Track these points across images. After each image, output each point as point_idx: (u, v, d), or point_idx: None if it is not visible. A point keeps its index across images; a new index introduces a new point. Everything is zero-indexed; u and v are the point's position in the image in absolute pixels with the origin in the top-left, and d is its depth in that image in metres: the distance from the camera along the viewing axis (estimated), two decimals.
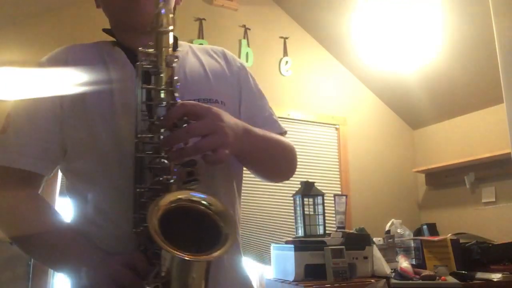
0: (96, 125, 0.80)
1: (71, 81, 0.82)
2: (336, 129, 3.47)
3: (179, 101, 0.73)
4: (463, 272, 2.38)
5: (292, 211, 2.57)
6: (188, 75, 0.89)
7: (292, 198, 2.58)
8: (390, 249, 2.66)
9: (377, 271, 2.32)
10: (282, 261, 2.30)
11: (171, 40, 0.77)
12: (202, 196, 0.68)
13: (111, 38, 0.95)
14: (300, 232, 2.44)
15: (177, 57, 0.75)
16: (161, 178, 0.71)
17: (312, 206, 2.47)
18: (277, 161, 0.93)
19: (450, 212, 3.33)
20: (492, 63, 2.17)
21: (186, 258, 0.60)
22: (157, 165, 0.72)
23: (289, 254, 2.20)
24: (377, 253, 2.40)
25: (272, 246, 2.52)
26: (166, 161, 0.72)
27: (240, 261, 0.90)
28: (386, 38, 3.12)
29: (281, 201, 3.04)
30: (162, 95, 0.73)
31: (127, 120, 0.77)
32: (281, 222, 3.04)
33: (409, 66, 3.21)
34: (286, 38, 3.37)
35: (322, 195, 2.51)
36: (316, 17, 3.33)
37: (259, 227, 2.96)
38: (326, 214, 2.50)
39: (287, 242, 2.45)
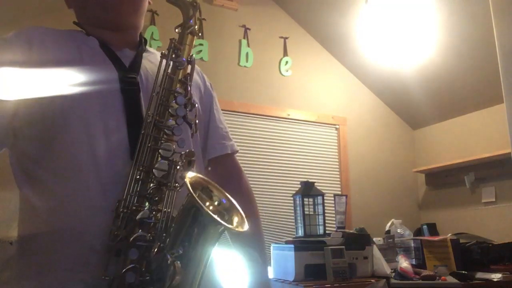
0: (70, 104, 0.78)
1: (36, 60, 0.79)
2: (336, 129, 3.47)
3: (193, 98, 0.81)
4: (463, 272, 2.38)
5: (292, 211, 2.57)
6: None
7: (292, 198, 2.58)
8: (390, 249, 2.66)
9: (377, 271, 2.32)
10: (282, 261, 2.30)
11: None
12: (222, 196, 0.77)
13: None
14: (300, 232, 2.44)
15: (194, 57, 0.83)
16: (167, 161, 0.75)
17: (312, 206, 2.47)
18: None
19: (450, 212, 3.33)
20: (492, 63, 2.17)
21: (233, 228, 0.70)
22: (165, 148, 0.75)
23: (289, 254, 2.20)
24: (377, 253, 2.40)
25: (272, 246, 2.52)
26: (173, 146, 0.76)
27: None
28: (386, 38, 3.12)
29: (281, 201, 3.04)
30: (178, 86, 0.80)
31: (103, 125, 0.78)
32: (281, 222, 3.04)
33: (409, 66, 3.21)
34: (286, 38, 3.37)
35: (322, 195, 2.51)
36: (316, 17, 3.33)
37: None
38: (326, 214, 2.50)
39: (287, 242, 2.45)
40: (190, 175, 0.73)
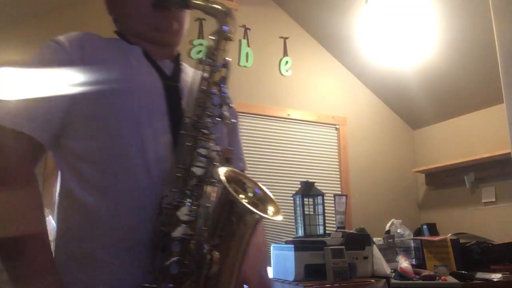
0: (118, 103, 0.82)
1: (89, 63, 0.83)
2: (336, 129, 3.47)
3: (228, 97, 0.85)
4: (463, 272, 2.38)
5: (292, 211, 2.57)
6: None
7: (292, 198, 2.58)
8: (390, 249, 2.66)
9: (377, 271, 2.32)
10: (282, 261, 2.30)
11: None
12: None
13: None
14: (300, 232, 2.44)
15: (229, 61, 0.88)
16: (205, 159, 0.79)
17: (312, 206, 2.47)
18: None
19: (450, 212, 3.33)
20: (492, 63, 2.17)
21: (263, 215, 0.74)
22: (203, 146, 0.79)
23: (289, 254, 2.20)
24: (377, 253, 2.40)
25: (272, 246, 2.51)
26: (212, 144, 0.80)
27: None
28: (386, 38, 3.12)
29: (281, 201, 3.04)
30: (215, 90, 0.84)
31: (151, 122, 0.82)
32: (281, 222, 3.04)
33: (409, 66, 3.21)
34: (286, 38, 3.37)
35: (322, 195, 2.51)
36: (316, 17, 3.33)
37: None
38: (326, 214, 2.50)
39: (287, 242, 2.45)
40: (223, 170, 0.76)
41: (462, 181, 3.17)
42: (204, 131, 0.80)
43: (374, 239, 2.61)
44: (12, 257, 0.71)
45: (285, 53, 3.36)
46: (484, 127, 3.13)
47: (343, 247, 2.22)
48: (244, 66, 3.17)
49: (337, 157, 3.42)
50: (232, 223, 0.73)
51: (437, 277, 2.34)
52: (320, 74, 3.47)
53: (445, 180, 3.38)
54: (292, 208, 2.57)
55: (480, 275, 2.36)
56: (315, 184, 2.55)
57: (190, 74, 0.96)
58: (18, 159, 0.76)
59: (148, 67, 0.89)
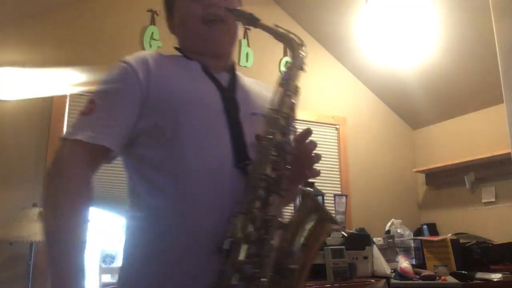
0: (179, 116, 0.88)
1: (155, 80, 0.91)
2: (336, 129, 3.47)
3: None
4: (463, 272, 2.38)
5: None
6: (250, 93, 1.04)
7: None
8: (390, 249, 2.66)
9: (377, 271, 2.32)
10: None
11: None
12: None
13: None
14: None
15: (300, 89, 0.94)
16: (278, 172, 0.84)
17: None
18: None
19: (450, 212, 3.33)
20: (492, 63, 2.17)
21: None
22: (278, 163, 0.84)
23: None
24: (377, 253, 2.40)
25: None
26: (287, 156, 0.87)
27: None
28: (386, 38, 3.12)
29: None
30: (287, 109, 0.89)
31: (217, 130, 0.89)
32: None
33: (409, 66, 3.21)
34: None
35: (322, 195, 2.51)
36: (316, 17, 3.33)
37: None
38: None
39: None
40: (304, 187, 0.87)
41: (462, 181, 3.16)
42: (277, 146, 0.85)
43: (374, 239, 2.61)
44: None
45: (285, 53, 3.36)
46: (484, 127, 3.13)
47: (343, 247, 2.22)
48: (244, 66, 3.17)
49: (337, 157, 3.42)
50: (316, 234, 0.81)
51: (437, 277, 2.34)
52: (320, 74, 3.47)
53: (445, 180, 3.38)
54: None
55: (480, 275, 2.36)
56: (315, 184, 2.55)
57: (247, 83, 1.04)
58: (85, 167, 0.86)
59: (206, 80, 0.96)
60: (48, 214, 0.81)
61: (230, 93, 0.96)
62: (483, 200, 3.08)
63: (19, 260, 2.35)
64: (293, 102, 0.90)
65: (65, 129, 2.65)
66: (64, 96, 2.68)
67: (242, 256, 0.76)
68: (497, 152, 2.77)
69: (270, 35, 0.97)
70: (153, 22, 2.97)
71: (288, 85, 0.92)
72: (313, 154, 0.92)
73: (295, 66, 0.95)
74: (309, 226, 0.82)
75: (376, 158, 3.56)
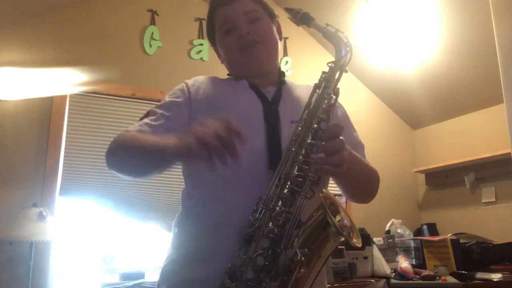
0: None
1: (208, 95, 1.08)
2: None
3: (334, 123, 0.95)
4: (463, 272, 2.38)
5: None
6: (294, 102, 1.12)
7: None
8: (390, 249, 2.66)
9: (377, 271, 2.32)
10: None
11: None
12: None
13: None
14: None
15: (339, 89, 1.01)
16: (303, 174, 0.89)
17: None
18: (366, 183, 1.17)
19: (450, 212, 3.33)
20: (492, 63, 2.17)
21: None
22: (304, 164, 0.89)
23: None
24: (377, 253, 2.40)
25: None
26: (310, 161, 0.90)
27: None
28: (386, 38, 3.12)
29: None
30: (322, 113, 0.94)
31: (257, 136, 0.99)
32: None
33: (409, 66, 3.21)
34: (286, 38, 3.37)
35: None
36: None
37: None
38: None
39: None
40: (325, 191, 0.87)
41: (462, 181, 3.16)
42: (307, 148, 0.90)
43: (374, 239, 2.61)
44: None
45: (285, 53, 3.36)
46: (484, 127, 3.13)
47: (343, 247, 2.22)
48: None
49: None
50: (322, 240, 0.83)
51: (437, 277, 2.34)
52: (320, 74, 3.46)
53: (445, 180, 3.38)
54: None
55: (480, 275, 2.36)
56: None
57: (297, 93, 1.15)
58: None
59: (252, 95, 1.08)
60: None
61: (273, 104, 1.07)
62: (483, 200, 3.08)
63: (19, 260, 2.35)
64: (329, 104, 0.96)
65: (65, 129, 2.66)
66: (64, 96, 2.68)
67: (257, 247, 0.84)
68: (497, 152, 2.77)
69: (321, 33, 1.04)
70: (153, 22, 2.97)
71: (326, 86, 0.96)
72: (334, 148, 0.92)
73: (337, 67, 1.01)
74: (318, 232, 0.84)
75: (376, 158, 3.54)
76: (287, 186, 0.88)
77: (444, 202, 3.40)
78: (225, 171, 0.89)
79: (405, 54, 3.15)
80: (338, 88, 1.00)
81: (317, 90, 0.98)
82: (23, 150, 2.54)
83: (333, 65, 1.02)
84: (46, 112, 2.63)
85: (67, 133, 2.66)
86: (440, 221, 3.32)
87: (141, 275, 2.49)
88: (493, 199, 3.02)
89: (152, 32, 2.95)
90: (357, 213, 3.29)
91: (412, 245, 2.76)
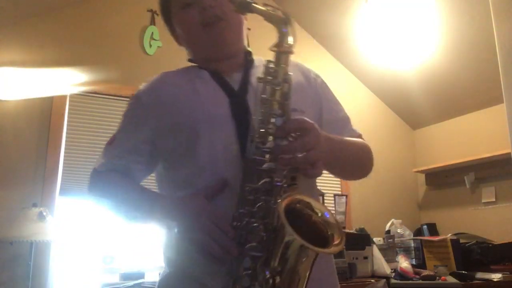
0: (191, 135, 0.91)
1: (165, 103, 0.98)
2: None
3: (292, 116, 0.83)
4: (463, 272, 2.38)
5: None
6: None
7: None
8: (390, 249, 2.66)
9: (377, 271, 2.32)
10: None
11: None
12: (319, 207, 0.79)
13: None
14: None
15: (290, 76, 0.86)
16: (269, 179, 0.80)
17: None
18: (356, 164, 1.09)
19: (450, 212, 3.33)
20: (492, 63, 2.17)
21: (314, 248, 0.69)
22: (267, 168, 0.80)
23: None
24: (377, 253, 2.40)
25: None
26: (274, 165, 0.80)
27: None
28: (386, 38, 3.12)
29: None
30: (277, 107, 0.82)
31: (220, 131, 0.89)
32: None
33: (409, 66, 3.21)
34: None
35: (322, 195, 2.51)
36: (316, 17, 3.33)
37: None
38: None
39: None
40: (284, 202, 0.74)
41: (462, 181, 3.16)
42: (267, 151, 0.81)
43: (374, 239, 2.61)
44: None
45: None
46: (484, 127, 3.13)
47: (343, 247, 2.22)
48: None
49: None
50: (289, 256, 0.73)
51: (437, 277, 2.34)
52: (320, 74, 3.46)
53: (445, 180, 3.38)
54: None
55: (480, 275, 2.36)
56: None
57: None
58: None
59: (215, 88, 0.95)
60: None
61: (240, 95, 0.94)
62: (483, 200, 3.08)
63: (19, 260, 2.35)
64: (283, 94, 0.84)
65: (65, 129, 2.66)
66: (64, 96, 2.68)
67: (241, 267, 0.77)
68: (497, 152, 2.77)
69: (262, 16, 0.88)
70: (153, 22, 2.97)
71: (275, 71, 0.84)
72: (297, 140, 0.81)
73: (282, 52, 0.86)
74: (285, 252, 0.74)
75: (376, 158, 3.52)
76: (256, 198, 0.79)
77: (444, 202, 3.40)
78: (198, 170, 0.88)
79: (405, 54, 3.15)
80: (290, 74, 0.86)
81: (264, 84, 0.85)
82: (23, 150, 2.54)
83: (277, 50, 0.86)
84: (46, 112, 2.63)
85: (67, 133, 2.66)
86: (440, 221, 3.32)
87: (141, 275, 2.49)
88: (493, 199, 3.02)
89: (152, 32, 2.95)
90: (357, 213, 3.30)
91: (412, 245, 2.76)
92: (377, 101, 3.70)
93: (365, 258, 2.31)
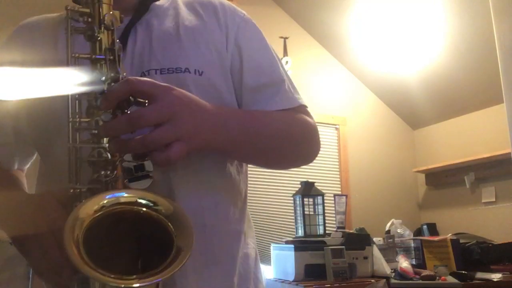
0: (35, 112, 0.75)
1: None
2: (336, 129, 3.47)
3: (126, 76, 0.56)
4: (463, 272, 2.38)
5: (292, 211, 2.57)
6: (154, 39, 0.70)
7: (292, 198, 2.58)
8: (390, 249, 2.66)
9: (377, 271, 2.32)
10: (282, 261, 2.30)
11: None
12: (137, 196, 0.52)
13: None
14: (300, 232, 2.44)
15: (121, 16, 0.59)
16: (101, 174, 0.55)
17: (312, 206, 2.47)
18: (275, 150, 0.75)
19: (450, 212, 3.33)
20: (492, 63, 2.17)
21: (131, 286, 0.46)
22: (97, 157, 0.55)
23: (289, 254, 2.20)
24: (377, 253, 2.40)
25: (272, 246, 2.51)
26: (108, 153, 0.55)
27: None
28: (386, 38, 3.12)
29: (281, 201, 3.04)
30: (100, 67, 0.56)
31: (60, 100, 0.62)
32: (281, 222, 3.04)
33: (410, 66, 3.21)
34: (286, 38, 3.36)
35: (322, 195, 2.51)
36: (316, 17, 3.33)
37: (259, 227, 2.96)
38: (326, 214, 2.50)
39: (287, 242, 2.45)
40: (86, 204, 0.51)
41: (462, 181, 3.16)
42: (93, 132, 0.57)
43: (374, 239, 2.60)
44: None
45: (285, 53, 3.36)
46: (484, 127, 3.13)
47: (343, 247, 2.22)
48: None
49: (337, 157, 3.42)
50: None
51: (437, 277, 2.34)
52: (320, 74, 3.47)
53: (445, 180, 3.38)
54: (292, 208, 2.57)
55: (480, 275, 2.36)
56: (315, 184, 2.55)
57: (161, 16, 0.73)
58: None
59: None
60: None
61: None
62: (483, 200, 3.08)
63: (19, 260, 2.35)
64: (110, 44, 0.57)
65: None
66: None
67: None
68: (497, 152, 2.77)
69: None
70: None
71: (86, 22, 0.58)
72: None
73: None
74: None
75: (376, 158, 3.56)
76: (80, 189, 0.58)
77: (444, 202, 3.40)
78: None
79: (405, 54, 3.15)
80: (107, 15, 0.57)
81: (68, 38, 0.60)
82: None
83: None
84: None
85: None
86: (440, 221, 3.32)
87: None
88: (493, 199, 3.02)
89: None
90: (357, 213, 3.30)
91: (412, 245, 2.75)
92: (377, 101, 3.70)
93: (365, 258, 2.31)
